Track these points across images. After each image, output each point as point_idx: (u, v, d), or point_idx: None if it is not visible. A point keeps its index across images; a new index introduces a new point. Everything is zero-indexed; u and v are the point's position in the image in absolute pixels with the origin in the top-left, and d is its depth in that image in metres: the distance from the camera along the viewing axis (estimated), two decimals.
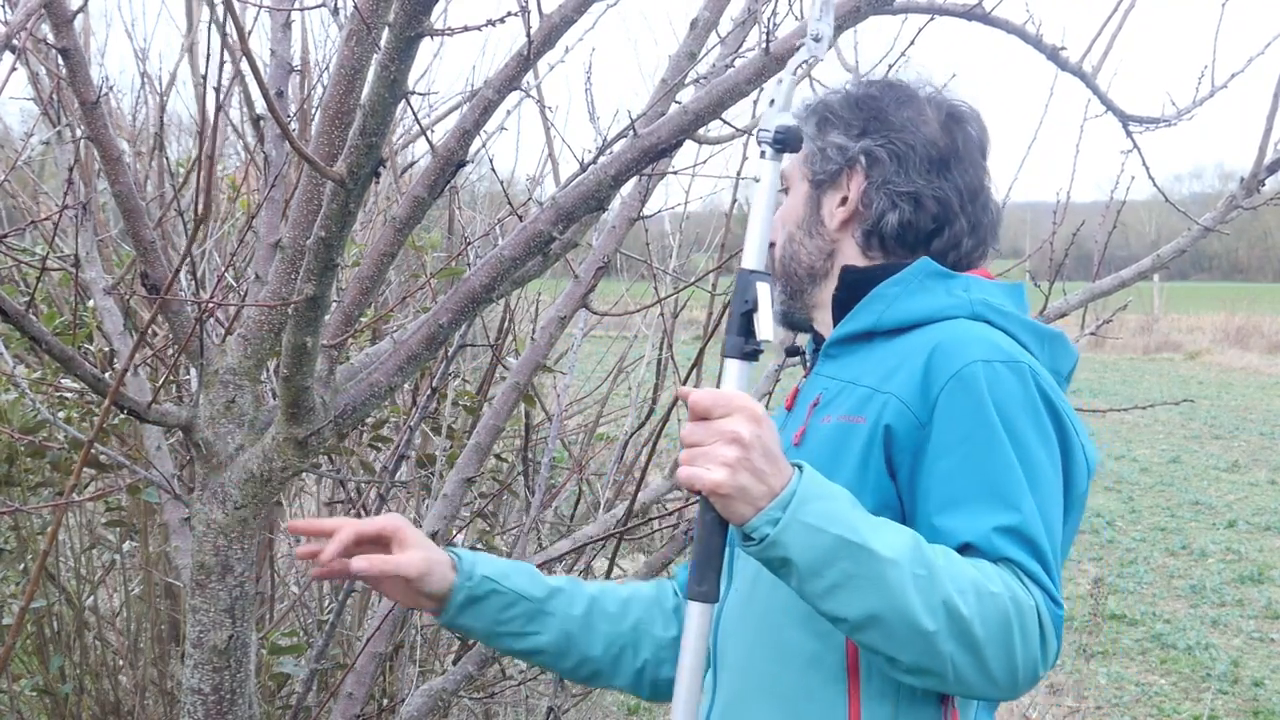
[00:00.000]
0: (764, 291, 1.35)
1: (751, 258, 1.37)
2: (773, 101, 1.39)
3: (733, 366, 1.36)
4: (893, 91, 1.56)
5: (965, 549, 1.30)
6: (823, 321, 1.59)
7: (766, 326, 1.34)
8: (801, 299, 1.59)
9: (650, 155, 1.60)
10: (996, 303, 1.47)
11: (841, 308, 1.54)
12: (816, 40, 1.38)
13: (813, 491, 1.26)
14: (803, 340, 1.68)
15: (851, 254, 1.56)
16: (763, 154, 1.39)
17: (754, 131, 1.41)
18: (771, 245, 1.57)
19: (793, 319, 1.61)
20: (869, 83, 1.60)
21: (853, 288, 1.53)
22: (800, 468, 1.29)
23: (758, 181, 1.40)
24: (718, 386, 1.35)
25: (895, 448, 1.38)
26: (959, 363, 1.36)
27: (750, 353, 1.35)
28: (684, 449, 1.30)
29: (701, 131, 1.82)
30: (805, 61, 1.39)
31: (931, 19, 2.25)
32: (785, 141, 1.38)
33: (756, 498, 1.25)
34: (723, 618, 1.56)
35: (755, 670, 1.49)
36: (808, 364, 1.64)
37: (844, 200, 1.55)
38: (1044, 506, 1.32)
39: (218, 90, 1.59)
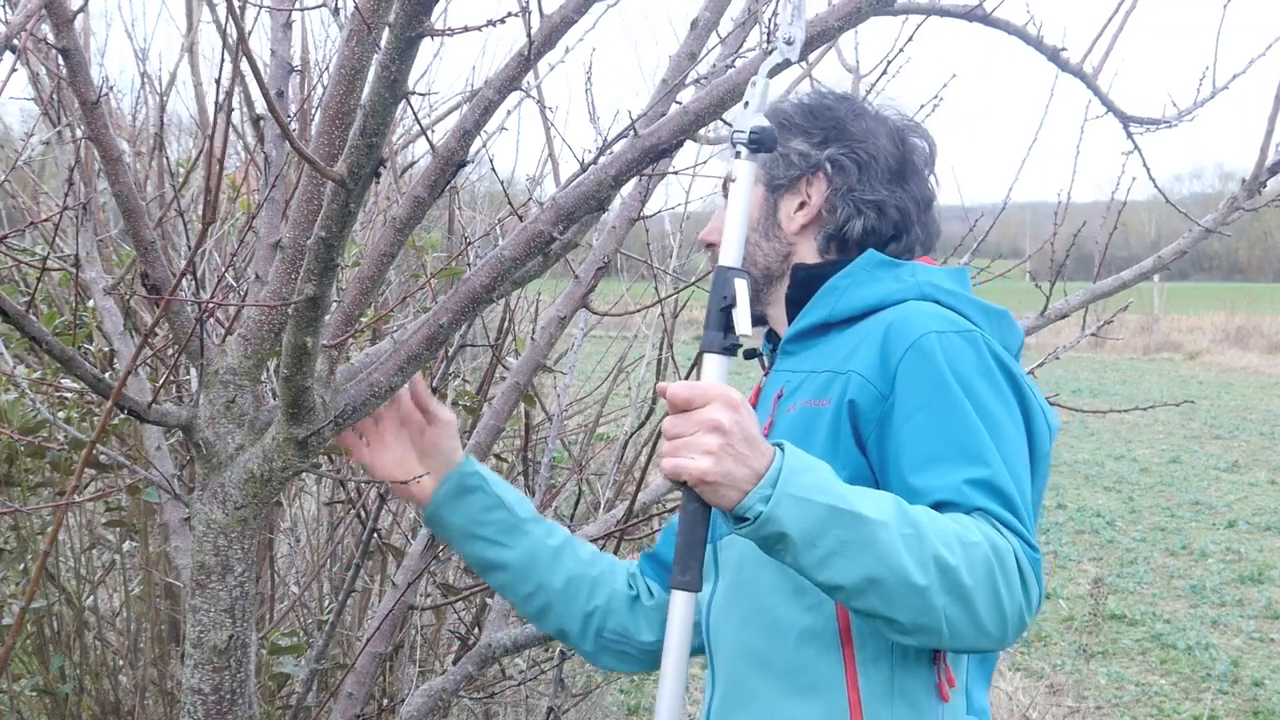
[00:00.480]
0: (742, 288, 1.39)
1: (729, 255, 1.42)
2: (747, 103, 1.43)
3: (712, 361, 1.40)
4: (846, 104, 1.63)
5: (940, 506, 1.34)
6: (777, 319, 1.65)
7: (744, 322, 1.38)
8: (758, 299, 1.64)
9: (651, 155, 1.59)
10: (943, 284, 1.53)
11: (795, 305, 1.60)
12: (789, 43, 1.42)
13: (797, 465, 1.30)
14: (758, 342, 1.73)
15: (807, 254, 1.62)
16: (737, 154, 1.43)
17: (731, 134, 1.45)
18: (712, 246, 1.63)
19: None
20: (820, 94, 1.67)
21: (804, 285, 1.60)
22: (781, 446, 1.33)
23: (733, 181, 1.44)
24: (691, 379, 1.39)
25: (861, 420, 1.43)
26: (914, 334, 1.42)
27: (729, 347, 1.40)
28: (666, 441, 1.33)
29: (702, 132, 1.81)
30: (778, 65, 1.43)
31: (930, 18, 2.25)
32: (760, 142, 1.42)
33: (742, 481, 1.29)
34: (712, 612, 1.60)
35: (750, 652, 1.52)
36: (766, 364, 1.69)
37: (802, 205, 1.61)
38: (1009, 458, 1.38)
39: (229, 94, 1.59)
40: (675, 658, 1.40)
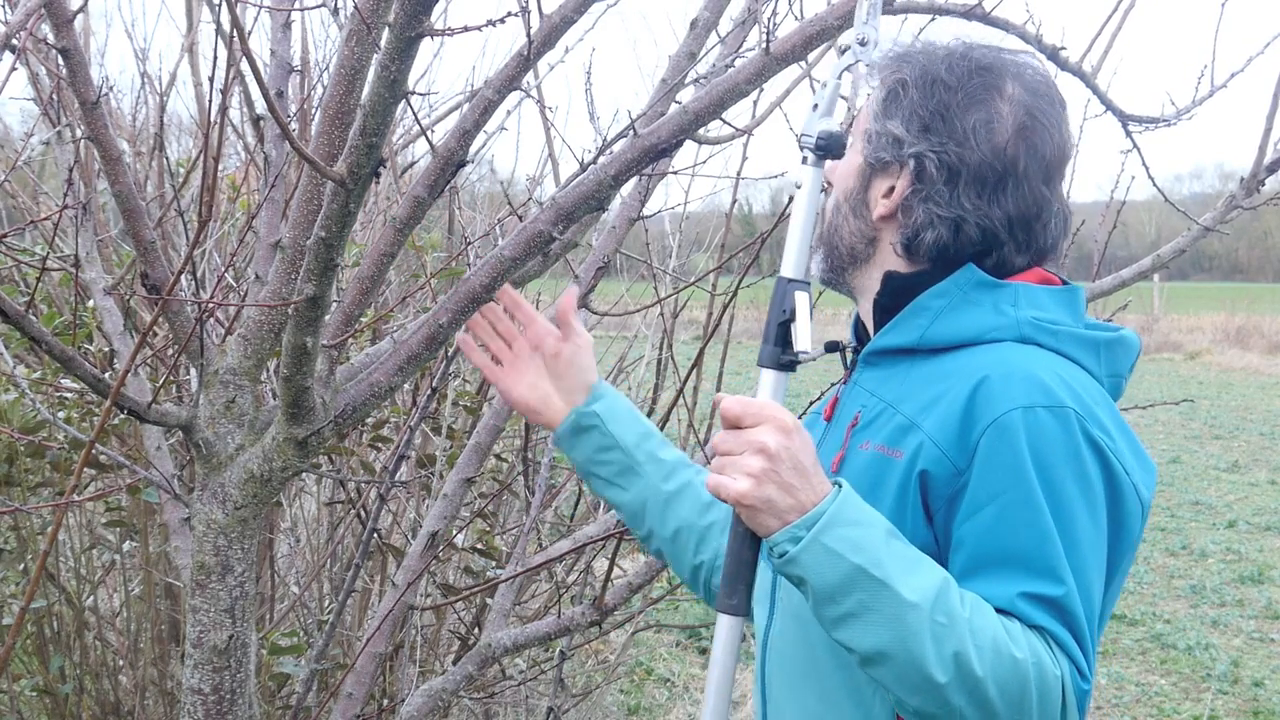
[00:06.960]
0: (802, 301, 1.32)
1: (790, 266, 1.34)
2: (815, 106, 1.35)
3: (767, 376, 1.33)
4: (973, 82, 1.40)
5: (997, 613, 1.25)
6: (864, 309, 1.52)
7: (804, 338, 1.31)
8: (842, 276, 1.52)
9: (650, 155, 1.60)
10: (1047, 319, 1.39)
11: (884, 313, 1.47)
12: (863, 44, 1.35)
13: (845, 516, 1.23)
14: (838, 336, 1.60)
15: (893, 254, 1.46)
16: (804, 159, 1.35)
17: (799, 137, 1.36)
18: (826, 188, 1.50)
19: (834, 288, 1.55)
20: (958, 55, 1.43)
21: (895, 295, 1.46)
22: (840, 487, 1.25)
23: (799, 188, 1.36)
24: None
25: (932, 495, 1.32)
26: (999, 408, 1.28)
27: (786, 363, 1.33)
28: (715, 457, 1.28)
29: (701, 131, 1.81)
30: (849, 66, 1.35)
31: (932, 19, 2.25)
32: (827, 148, 1.34)
33: (783, 511, 1.23)
34: (769, 649, 1.51)
35: (806, 714, 1.45)
36: (848, 365, 1.56)
37: (889, 191, 1.44)
38: (1081, 573, 1.26)
39: (224, 92, 1.59)
40: (718, 682, 1.33)
